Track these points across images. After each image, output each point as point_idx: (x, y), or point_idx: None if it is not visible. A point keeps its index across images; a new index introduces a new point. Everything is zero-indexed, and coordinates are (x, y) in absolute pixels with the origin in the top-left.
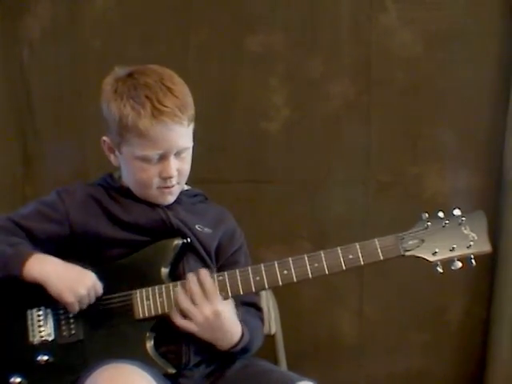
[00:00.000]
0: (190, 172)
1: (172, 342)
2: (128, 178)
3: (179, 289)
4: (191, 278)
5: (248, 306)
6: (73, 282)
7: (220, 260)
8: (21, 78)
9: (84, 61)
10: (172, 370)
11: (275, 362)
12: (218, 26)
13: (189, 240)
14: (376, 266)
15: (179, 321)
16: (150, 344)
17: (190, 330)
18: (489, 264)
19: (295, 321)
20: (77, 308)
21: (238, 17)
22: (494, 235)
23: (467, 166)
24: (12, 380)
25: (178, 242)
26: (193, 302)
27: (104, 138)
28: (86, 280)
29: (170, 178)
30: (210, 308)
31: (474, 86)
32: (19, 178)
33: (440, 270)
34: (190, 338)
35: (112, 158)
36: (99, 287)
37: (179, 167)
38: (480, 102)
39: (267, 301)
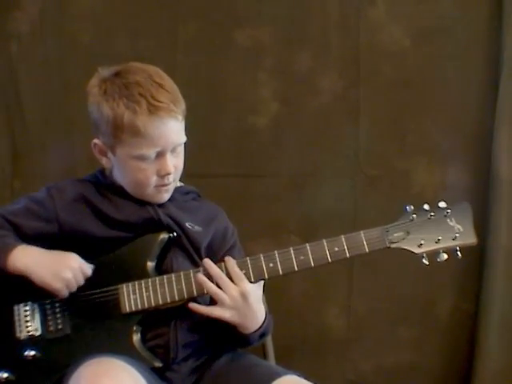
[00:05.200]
0: None
1: (160, 336)
2: (123, 179)
3: (201, 276)
4: (209, 263)
5: None
6: (57, 267)
7: (213, 259)
8: (9, 72)
9: (72, 55)
10: (159, 364)
11: (263, 356)
12: (206, 20)
13: (175, 234)
14: (364, 260)
15: (203, 309)
16: (136, 338)
17: (220, 315)
18: (477, 259)
19: (284, 315)
20: (66, 293)
21: (226, 11)
22: (482, 231)
23: (455, 160)
24: None
25: (164, 236)
26: (218, 286)
27: (95, 141)
28: (70, 262)
29: (168, 175)
30: (238, 289)
31: (463, 81)
32: (7, 173)
33: (426, 261)
34: (178, 332)
35: (104, 160)
36: (86, 267)
37: (175, 163)
38: (468, 96)
39: None
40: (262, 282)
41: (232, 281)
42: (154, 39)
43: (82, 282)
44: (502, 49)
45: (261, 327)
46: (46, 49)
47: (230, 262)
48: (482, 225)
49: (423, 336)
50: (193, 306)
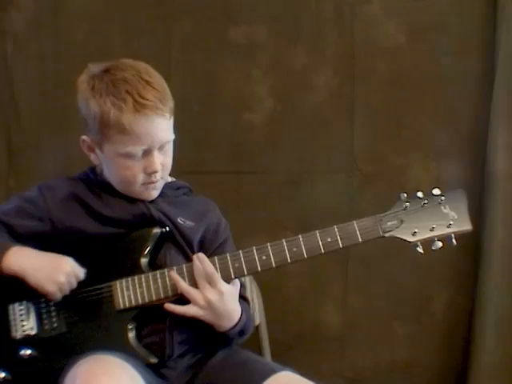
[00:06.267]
0: (175, 163)
1: (156, 333)
2: (111, 176)
3: (175, 275)
4: (194, 259)
5: None
6: (51, 271)
7: (205, 253)
8: (4, 70)
9: (67, 53)
10: (154, 360)
11: (260, 352)
12: (201, 18)
13: (167, 229)
14: (360, 257)
15: (179, 309)
16: (131, 334)
17: (194, 314)
18: (472, 255)
19: (280, 311)
20: (59, 296)
21: (221, 8)
22: (478, 226)
23: (451, 156)
24: None
25: (156, 230)
26: (195, 285)
27: (83, 137)
28: (65, 267)
29: (155, 172)
30: (213, 291)
31: (458, 77)
32: (3, 171)
33: (420, 250)
34: (174, 329)
35: (92, 157)
36: (79, 271)
37: (162, 161)
38: (463, 92)
39: (251, 291)
40: (238, 281)
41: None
42: (148, 37)
43: (75, 285)
44: (497, 45)
45: (236, 325)
46: (40, 47)
47: (206, 261)
48: (478, 220)
49: (419, 332)
50: (168, 306)
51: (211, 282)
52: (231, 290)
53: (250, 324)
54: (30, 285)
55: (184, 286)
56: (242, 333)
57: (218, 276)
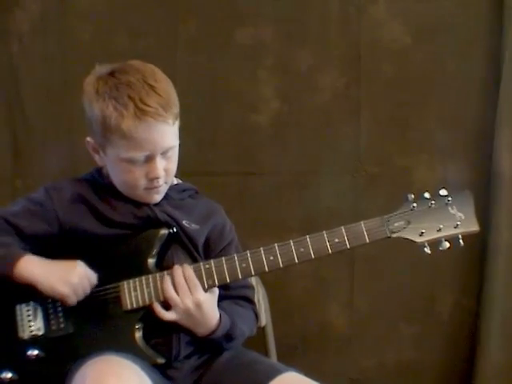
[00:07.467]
0: (180, 164)
1: (162, 334)
2: (114, 179)
3: (166, 278)
4: (176, 269)
5: (240, 299)
6: (63, 273)
7: (210, 255)
8: (10, 71)
9: (73, 54)
10: (161, 360)
11: (265, 353)
12: (206, 19)
13: (175, 230)
14: (366, 257)
15: (160, 311)
16: (138, 335)
17: (170, 318)
18: (478, 256)
19: (285, 312)
20: (74, 299)
21: (226, 9)
22: (483, 227)
23: (456, 157)
24: (3, 376)
25: (163, 231)
26: (176, 291)
27: (88, 138)
28: (77, 268)
29: (157, 178)
30: (191, 299)
31: (463, 78)
32: (9, 171)
33: (428, 251)
34: (180, 329)
35: (97, 158)
36: (92, 275)
37: (166, 167)
38: (469, 93)
39: (257, 293)
40: (217, 289)
41: (188, 288)
42: (154, 38)
43: (88, 290)
44: (503, 46)
45: (212, 333)
46: (46, 47)
47: (189, 270)
48: (483, 221)
49: (425, 333)
50: (156, 307)
51: (191, 290)
52: (209, 299)
53: (240, 329)
54: (42, 291)
55: (170, 292)
56: (229, 338)
57: (198, 285)
